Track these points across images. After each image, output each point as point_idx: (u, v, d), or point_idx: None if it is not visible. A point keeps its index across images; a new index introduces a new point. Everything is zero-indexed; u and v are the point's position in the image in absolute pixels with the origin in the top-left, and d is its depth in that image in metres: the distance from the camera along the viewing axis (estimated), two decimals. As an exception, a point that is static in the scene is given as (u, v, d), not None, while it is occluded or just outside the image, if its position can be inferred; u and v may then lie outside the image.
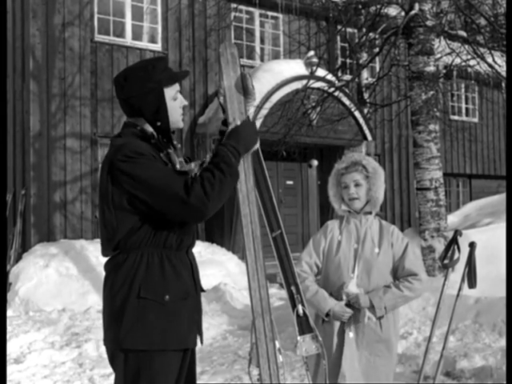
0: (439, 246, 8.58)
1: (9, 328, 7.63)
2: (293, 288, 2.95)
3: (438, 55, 10.36)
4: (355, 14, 10.13)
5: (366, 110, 12.76)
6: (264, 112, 11.95)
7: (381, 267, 3.42)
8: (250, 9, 13.77)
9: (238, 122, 2.61)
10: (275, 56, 14.36)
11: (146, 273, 2.46)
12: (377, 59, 13.69)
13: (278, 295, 9.62)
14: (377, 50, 10.56)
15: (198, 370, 4.91)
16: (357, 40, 10.97)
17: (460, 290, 4.15)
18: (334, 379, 3.34)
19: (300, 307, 2.94)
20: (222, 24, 13.02)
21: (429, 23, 8.89)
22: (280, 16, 14.18)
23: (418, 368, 5.47)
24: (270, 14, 14.16)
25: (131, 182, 2.43)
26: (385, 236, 3.47)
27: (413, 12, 8.83)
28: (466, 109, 18.74)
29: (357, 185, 3.45)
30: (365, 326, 3.37)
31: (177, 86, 2.62)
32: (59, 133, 11.55)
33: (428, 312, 6.83)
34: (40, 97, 11.42)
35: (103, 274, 2.62)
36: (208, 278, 9.53)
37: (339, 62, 14.72)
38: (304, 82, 11.01)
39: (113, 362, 2.55)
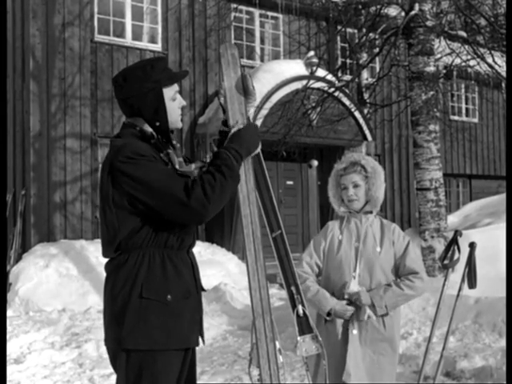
0: (439, 246, 8.59)
1: (9, 328, 7.63)
2: (293, 288, 2.95)
3: (438, 55, 10.36)
4: (355, 14, 10.13)
5: (366, 111, 12.77)
6: (264, 112, 11.95)
7: (383, 265, 3.42)
8: (250, 9, 13.78)
9: (241, 125, 2.61)
10: (275, 56, 14.36)
11: (148, 273, 2.46)
12: (377, 59, 13.70)
13: (278, 295, 9.62)
14: (377, 50, 10.57)
15: (198, 370, 4.91)
16: (357, 40, 10.98)
17: (460, 290, 4.15)
18: (338, 378, 3.34)
19: (300, 307, 2.94)
20: (222, 24, 13.03)
21: (429, 23, 8.90)
22: (280, 16, 14.18)
23: (418, 368, 5.47)
24: (270, 14, 14.16)
25: (132, 184, 2.43)
26: (386, 234, 3.47)
27: (413, 12, 8.83)
28: (466, 109, 18.74)
29: (355, 186, 3.45)
30: (367, 323, 3.37)
31: (176, 87, 2.62)
32: (59, 133, 11.55)
33: (428, 312, 6.83)
34: (40, 97, 11.42)
35: (103, 274, 2.61)
36: (208, 278, 9.53)
37: (339, 62, 14.72)
38: (304, 82, 11.01)
39: (114, 362, 2.55)
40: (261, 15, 14.17)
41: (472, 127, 18.72)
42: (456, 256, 4.05)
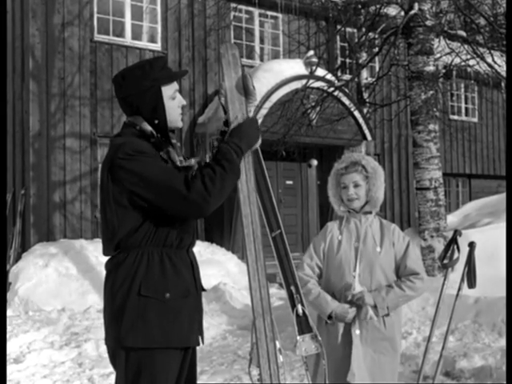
0: (439, 245, 8.59)
1: (8, 328, 7.63)
2: (292, 288, 2.95)
3: (438, 55, 10.36)
4: (355, 13, 10.13)
5: (365, 110, 12.77)
6: (263, 112, 11.95)
7: (383, 266, 3.42)
8: (250, 8, 13.78)
9: (241, 120, 2.62)
10: (275, 56, 14.36)
11: (147, 271, 2.46)
12: (376, 59, 13.69)
13: (277, 295, 9.62)
14: (376, 49, 10.56)
15: (198, 369, 4.90)
16: (356, 40, 10.98)
17: (459, 289, 4.15)
18: (342, 379, 3.34)
19: (299, 307, 2.94)
20: (221, 24, 13.02)
21: (428, 23, 8.89)
22: (279, 16, 14.18)
23: (417, 368, 5.47)
24: (269, 13, 14.16)
25: (132, 180, 2.43)
26: (386, 235, 3.47)
27: (412, 12, 8.83)
28: (466, 109, 18.74)
29: (356, 185, 3.45)
30: (368, 323, 3.37)
31: (175, 85, 2.63)
32: (59, 133, 11.55)
33: (427, 312, 6.84)
34: (39, 97, 11.42)
35: (103, 273, 2.62)
36: (208, 277, 9.52)
37: (339, 61, 14.72)
38: (303, 81, 11.01)
39: (114, 360, 2.55)
40: (260, 15, 14.17)
41: (471, 127, 18.72)
42: (455, 255, 4.05)
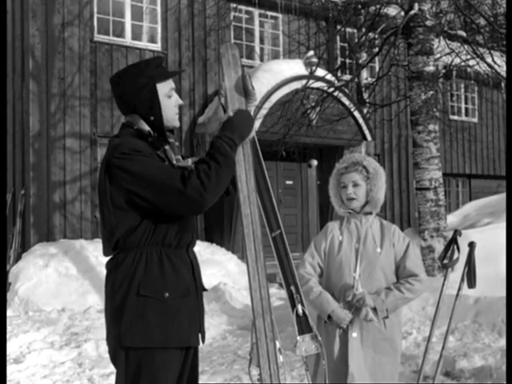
0: (439, 245, 8.59)
1: (8, 328, 7.63)
2: (292, 288, 2.95)
3: (438, 55, 10.36)
4: (355, 13, 10.13)
5: (365, 110, 12.77)
6: (263, 112, 11.95)
7: (383, 267, 3.42)
8: (250, 9, 13.78)
9: (231, 113, 2.62)
10: (275, 56, 14.36)
11: (145, 271, 2.47)
12: (376, 59, 13.69)
13: (277, 295, 9.62)
14: (376, 49, 10.56)
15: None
16: (356, 40, 10.98)
17: (459, 289, 4.15)
18: (343, 379, 3.34)
19: (299, 307, 2.94)
20: (221, 24, 13.03)
21: (428, 23, 8.90)
22: (279, 16, 14.18)
23: (417, 368, 5.47)
24: (269, 13, 14.16)
25: (128, 178, 2.44)
26: (386, 235, 3.47)
27: (412, 12, 8.83)
28: (466, 109, 18.74)
29: (355, 185, 3.45)
30: (368, 324, 3.37)
31: (171, 84, 2.64)
32: (59, 133, 11.55)
33: (427, 312, 6.84)
34: (39, 97, 11.42)
35: (103, 273, 2.63)
36: (207, 277, 9.52)
37: (339, 61, 14.72)
38: (303, 81, 11.01)
39: (114, 359, 2.56)
40: (260, 15, 14.17)
41: (471, 127, 18.73)
42: (455, 256, 4.05)
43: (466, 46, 10.52)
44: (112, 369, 2.62)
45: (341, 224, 3.54)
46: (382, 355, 3.41)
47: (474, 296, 6.76)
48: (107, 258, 2.61)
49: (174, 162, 2.54)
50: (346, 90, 12.69)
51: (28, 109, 11.34)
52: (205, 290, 2.69)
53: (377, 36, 10.50)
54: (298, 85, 11.42)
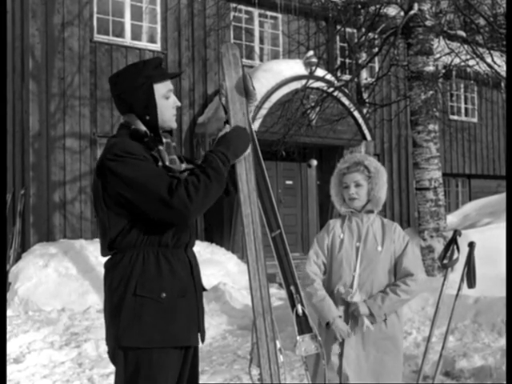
0: (438, 245, 8.59)
1: (8, 328, 7.63)
2: (292, 288, 2.95)
3: (437, 55, 10.37)
4: (354, 13, 10.14)
5: (365, 110, 12.77)
6: (263, 112, 11.95)
7: (384, 265, 3.42)
8: (250, 9, 13.78)
9: (228, 129, 2.62)
10: (274, 56, 14.36)
11: (142, 271, 2.47)
12: (376, 59, 13.69)
13: (277, 295, 9.61)
14: (376, 49, 10.57)
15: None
16: (356, 40, 10.99)
17: (459, 289, 4.15)
18: (344, 379, 3.34)
19: (299, 307, 2.94)
20: (221, 24, 13.03)
21: (428, 23, 8.90)
22: (279, 16, 14.17)
23: (417, 368, 5.48)
24: (269, 13, 14.16)
25: (118, 181, 2.45)
26: (387, 234, 3.48)
27: (412, 12, 8.84)
28: (466, 109, 18.74)
29: (357, 185, 3.46)
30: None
31: (169, 85, 2.63)
32: (58, 133, 11.55)
33: (427, 312, 6.84)
34: (39, 97, 11.42)
35: (103, 273, 2.63)
36: (207, 277, 9.53)
37: (338, 61, 14.72)
38: (303, 81, 11.02)
39: (114, 359, 2.56)
40: (260, 15, 14.17)
41: (471, 127, 18.73)
42: (455, 255, 4.05)
43: (465, 46, 10.53)
44: (112, 369, 2.62)
45: (342, 222, 3.55)
46: (384, 354, 3.40)
47: (474, 296, 6.76)
48: (106, 258, 2.62)
49: (167, 163, 2.54)
50: (346, 90, 12.69)
51: (28, 109, 11.34)
52: (204, 289, 2.69)
53: (376, 36, 10.51)
54: (297, 85, 11.42)
